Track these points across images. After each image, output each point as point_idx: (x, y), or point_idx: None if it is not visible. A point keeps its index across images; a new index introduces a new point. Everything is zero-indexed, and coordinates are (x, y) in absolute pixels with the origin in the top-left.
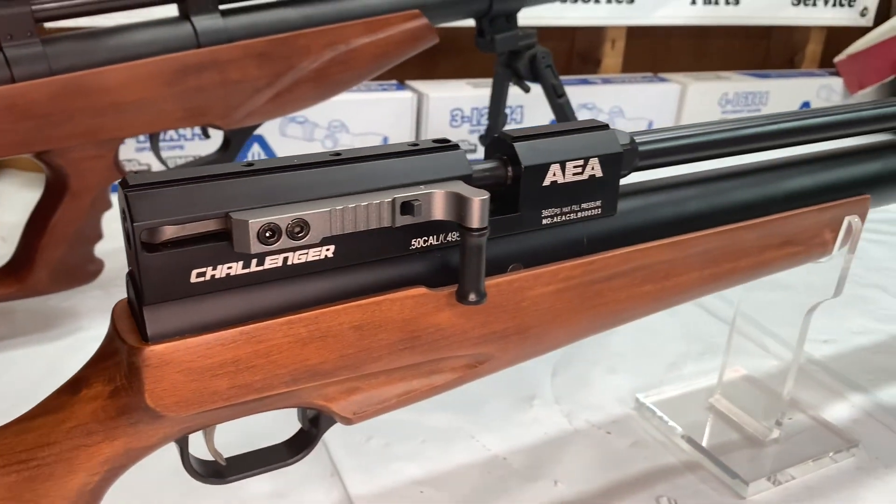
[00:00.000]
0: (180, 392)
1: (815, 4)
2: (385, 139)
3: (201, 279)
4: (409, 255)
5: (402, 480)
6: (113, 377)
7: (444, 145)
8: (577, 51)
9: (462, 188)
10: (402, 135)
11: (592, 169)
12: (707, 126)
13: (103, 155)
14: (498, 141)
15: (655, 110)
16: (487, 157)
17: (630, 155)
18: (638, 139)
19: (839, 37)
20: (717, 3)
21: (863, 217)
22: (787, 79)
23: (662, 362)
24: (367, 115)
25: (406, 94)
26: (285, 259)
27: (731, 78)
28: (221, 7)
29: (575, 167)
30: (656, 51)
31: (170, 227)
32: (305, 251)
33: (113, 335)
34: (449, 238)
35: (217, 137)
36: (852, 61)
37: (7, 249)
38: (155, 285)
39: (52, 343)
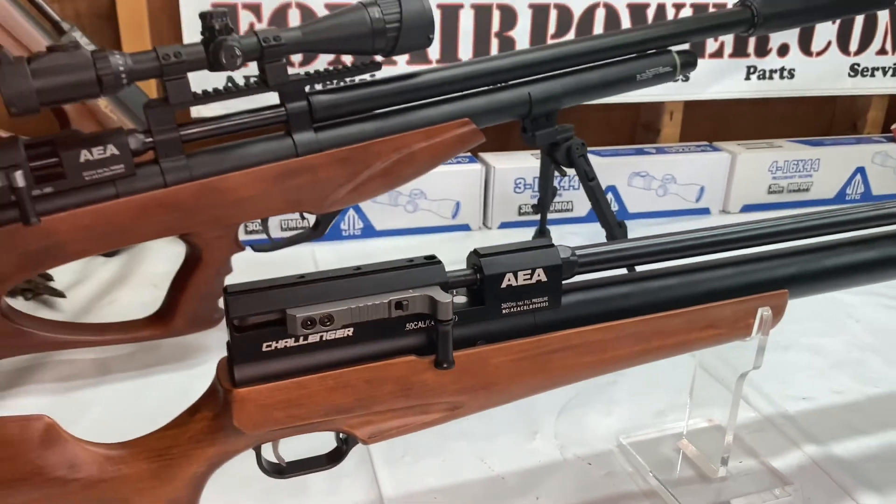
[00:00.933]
0: (254, 419)
1: (872, 75)
2: (458, 204)
3: (269, 348)
4: (403, 334)
5: (423, 489)
6: (215, 407)
7: (430, 262)
8: (641, 121)
9: (436, 293)
10: (472, 199)
11: (539, 276)
12: (645, 240)
13: (227, 235)
14: (473, 254)
15: (707, 177)
16: (467, 264)
17: (570, 265)
18: (579, 252)
19: None
20: (771, 77)
21: (781, 308)
22: (840, 146)
23: (651, 410)
24: (443, 184)
25: (476, 166)
26: (320, 337)
27: (784, 146)
28: (315, 125)
29: (524, 275)
30: (717, 119)
31: (250, 318)
32: (333, 332)
33: (216, 381)
34: (430, 323)
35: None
36: None
37: (157, 293)
38: (241, 352)
39: (185, 371)
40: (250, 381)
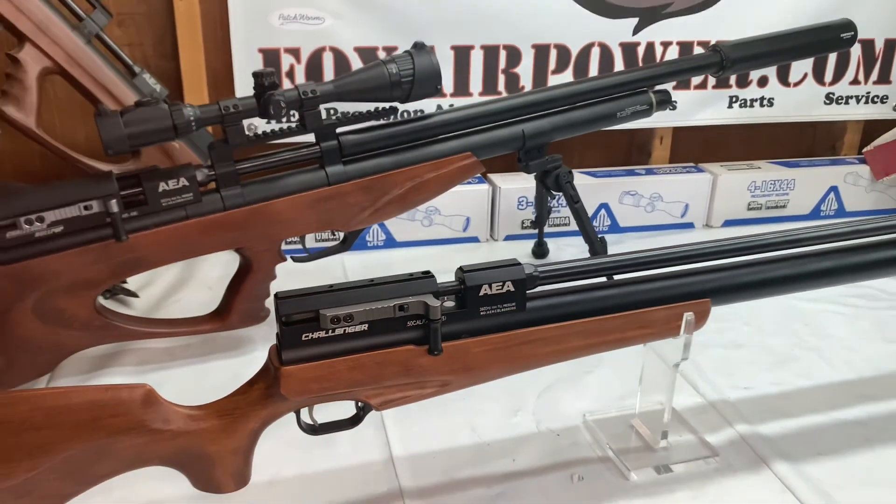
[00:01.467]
0: (296, 389)
1: (847, 102)
2: (468, 219)
3: (307, 338)
4: (405, 329)
5: (424, 450)
6: (268, 380)
7: (425, 276)
8: (635, 144)
9: (429, 299)
10: (480, 215)
11: (508, 287)
12: (592, 259)
13: (272, 249)
14: (459, 270)
15: (691, 196)
16: (455, 276)
17: (532, 279)
18: (541, 269)
19: (878, 126)
20: (752, 105)
21: (705, 313)
22: (815, 167)
23: (614, 395)
24: (455, 202)
25: (484, 186)
26: (344, 330)
27: (763, 167)
28: (343, 159)
29: (497, 286)
30: (706, 142)
31: (294, 315)
32: (353, 327)
33: (268, 362)
34: (425, 321)
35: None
36: (879, 151)
37: (212, 295)
38: (287, 341)
39: (237, 358)
40: (293, 361)
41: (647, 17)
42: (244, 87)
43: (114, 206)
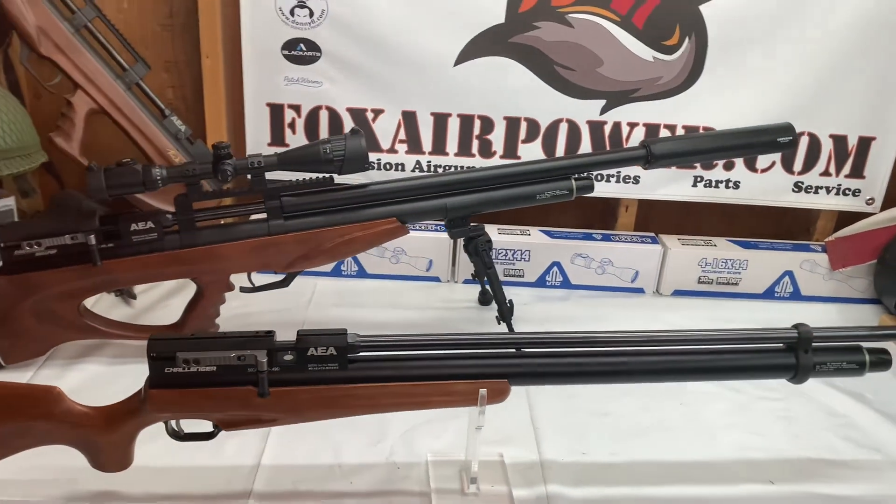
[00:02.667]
0: (158, 408)
1: (816, 192)
2: (431, 261)
3: (168, 371)
4: (246, 374)
5: (289, 464)
6: (141, 398)
7: (267, 334)
8: (608, 209)
9: (260, 354)
10: (442, 259)
11: (331, 350)
12: (409, 337)
13: (221, 281)
14: (299, 332)
15: (641, 264)
16: (296, 337)
17: (353, 347)
18: (362, 338)
19: (854, 217)
20: (717, 186)
21: (502, 391)
22: (771, 251)
23: (463, 443)
24: (420, 245)
25: (445, 234)
26: (196, 369)
27: (718, 245)
28: (284, 215)
29: (322, 349)
30: (686, 214)
31: (161, 353)
32: (204, 367)
33: (145, 384)
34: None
35: None
36: (841, 243)
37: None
38: (153, 371)
39: None
40: (158, 386)
41: (615, 99)
42: (254, 130)
43: (92, 239)
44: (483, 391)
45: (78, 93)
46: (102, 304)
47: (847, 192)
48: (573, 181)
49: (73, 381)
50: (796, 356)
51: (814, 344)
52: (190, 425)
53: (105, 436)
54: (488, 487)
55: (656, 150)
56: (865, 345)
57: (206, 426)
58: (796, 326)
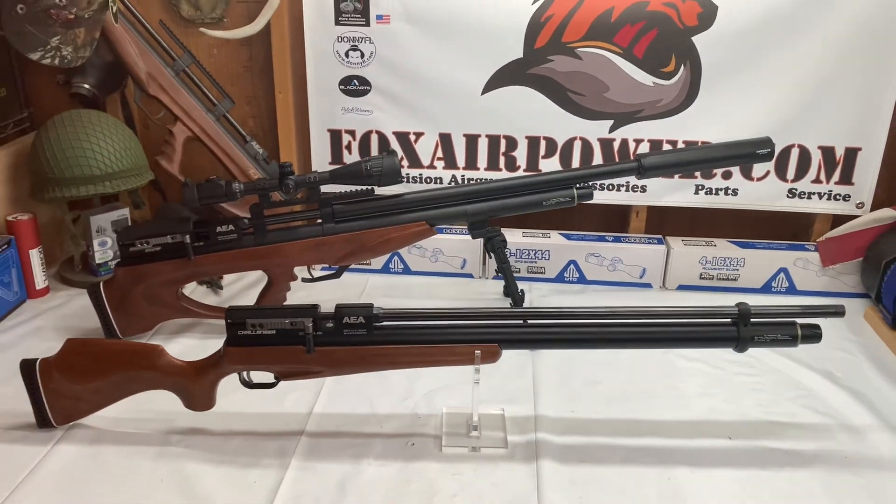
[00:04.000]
0: (232, 361)
1: (809, 198)
2: (465, 260)
3: (241, 333)
4: (297, 336)
5: (335, 411)
6: (220, 354)
7: (312, 307)
8: (620, 214)
9: (307, 321)
10: (475, 257)
11: (360, 320)
12: (418, 310)
13: (286, 272)
14: (337, 306)
15: (648, 262)
16: (334, 310)
17: (377, 317)
18: (383, 311)
19: (844, 217)
20: (717, 194)
21: (494, 353)
22: (767, 250)
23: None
24: (456, 246)
25: None
26: (261, 332)
27: (718, 245)
28: (335, 220)
29: (353, 318)
30: (696, 219)
31: (236, 320)
32: (266, 331)
33: (224, 343)
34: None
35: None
36: (831, 242)
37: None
38: (229, 333)
39: None
40: (233, 344)
41: (622, 119)
42: (318, 151)
43: (187, 238)
44: (478, 352)
45: (178, 124)
46: (196, 294)
47: (838, 197)
48: (574, 190)
49: (172, 351)
50: (738, 329)
51: (753, 319)
52: (257, 377)
53: (195, 382)
54: (488, 433)
55: (646, 162)
56: (801, 321)
57: (268, 377)
58: (738, 305)
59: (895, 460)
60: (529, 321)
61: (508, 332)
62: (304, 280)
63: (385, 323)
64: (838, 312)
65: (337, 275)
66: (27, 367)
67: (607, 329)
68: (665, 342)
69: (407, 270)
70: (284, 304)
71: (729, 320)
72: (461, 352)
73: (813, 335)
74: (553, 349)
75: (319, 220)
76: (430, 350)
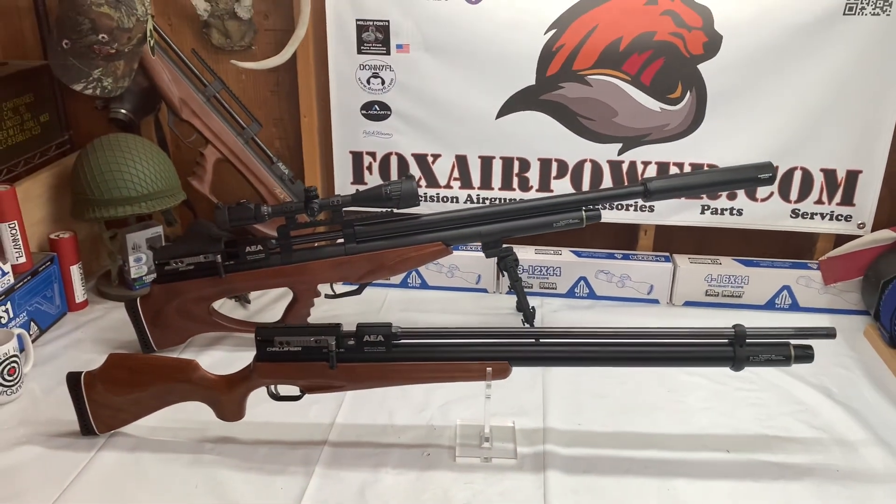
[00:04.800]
0: (262, 374)
1: (812, 218)
2: (479, 275)
3: (270, 349)
4: (321, 353)
5: (355, 423)
6: (251, 368)
7: (334, 326)
8: (629, 233)
9: (330, 339)
10: (489, 273)
11: (378, 338)
12: (433, 328)
13: (310, 289)
14: (358, 325)
15: (655, 280)
16: (356, 329)
17: (395, 335)
18: (401, 329)
19: (847, 237)
20: (722, 213)
21: (504, 370)
22: (770, 268)
23: (491, 412)
24: (471, 263)
25: None
26: (288, 349)
27: (723, 263)
28: (357, 240)
29: (373, 337)
30: (704, 237)
31: (265, 338)
32: (292, 347)
33: (254, 358)
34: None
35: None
36: (833, 261)
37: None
38: (259, 349)
39: None
40: (261, 360)
41: (630, 143)
42: (340, 172)
43: (218, 258)
44: (489, 369)
45: (208, 146)
46: (225, 308)
47: (840, 217)
48: (583, 212)
49: (205, 363)
50: (734, 349)
51: (749, 340)
52: (283, 390)
53: (226, 395)
54: (499, 444)
55: (652, 186)
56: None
57: (294, 391)
58: (734, 326)
59: (884, 474)
60: (539, 339)
61: (518, 350)
62: (326, 296)
63: (403, 341)
64: (830, 335)
65: (358, 291)
66: (73, 380)
67: (612, 349)
68: (666, 361)
69: (424, 285)
70: (308, 320)
71: (726, 341)
72: (474, 369)
73: (805, 356)
74: (560, 367)
75: (342, 241)
76: (445, 367)
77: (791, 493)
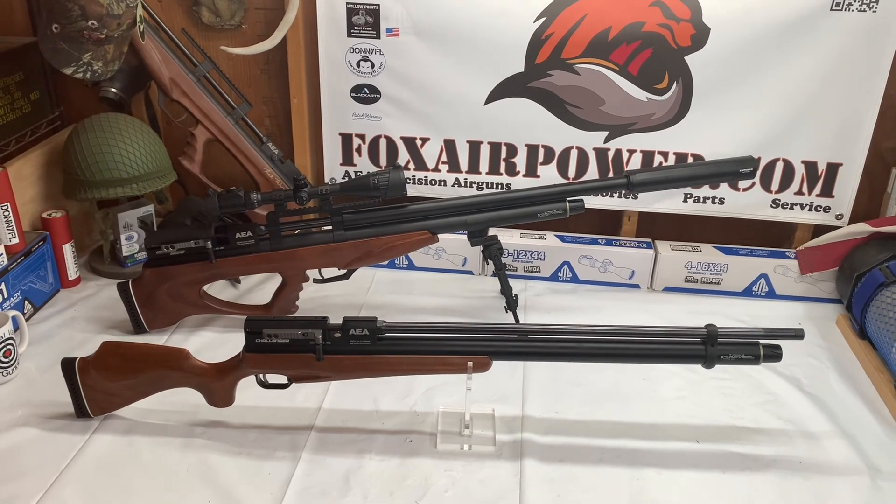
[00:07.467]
0: (251, 364)
1: (792, 208)
2: (465, 258)
3: (259, 341)
4: (308, 345)
5: (340, 408)
6: (240, 357)
7: (322, 319)
8: (613, 218)
9: (317, 333)
10: (474, 256)
11: (364, 332)
12: (416, 324)
13: (299, 274)
14: (345, 318)
15: (636, 265)
16: (342, 322)
17: (380, 329)
18: (386, 323)
19: (825, 227)
20: (704, 202)
21: (485, 363)
22: (748, 256)
23: (472, 398)
24: (457, 246)
25: None
26: (276, 340)
27: (703, 251)
28: (345, 227)
29: (359, 331)
30: (687, 224)
31: (254, 329)
32: (280, 339)
33: (243, 347)
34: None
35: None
36: (809, 252)
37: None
38: (248, 339)
39: None
40: (250, 350)
41: (616, 131)
42: (330, 153)
43: (209, 244)
44: (470, 363)
45: (198, 126)
46: (215, 287)
47: (819, 208)
48: (567, 203)
49: (195, 344)
50: (706, 348)
51: (720, 339)
52: (271, 378)
53: (216, 382)
54: (479, 432)
55: (635, 179)
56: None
57: (282, 379)
58: (707, 326)
59: (844, 466)
60: (520, 335)
61: (498, 345)
62: (315, 281)
63: (387, 334)
64: (798, 336)
65: (345, 277)
66: (68, 366)
67: (589, 345)
68: (641, 358)
69: (411, 266)
70: (297, 303)
71: (699, 340)
72: (455, 362)
73: (774, 355)
74: (539, 361)
75: (330, 228)
76: (428, 360)
77: (755, 484)
